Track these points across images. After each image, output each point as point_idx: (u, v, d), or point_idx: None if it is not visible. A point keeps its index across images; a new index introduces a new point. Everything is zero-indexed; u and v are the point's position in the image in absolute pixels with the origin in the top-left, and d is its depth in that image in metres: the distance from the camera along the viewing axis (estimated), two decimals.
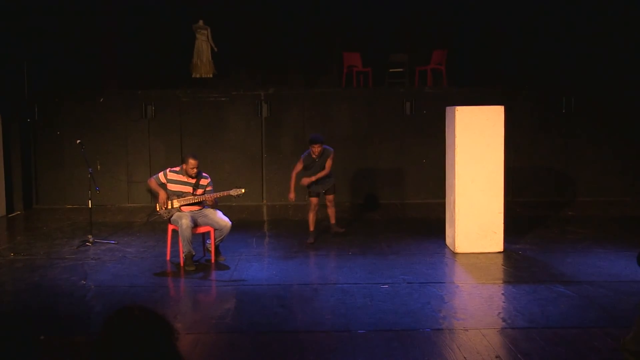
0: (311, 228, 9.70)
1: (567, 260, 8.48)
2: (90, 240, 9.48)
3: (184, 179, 8.32)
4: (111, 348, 2.41)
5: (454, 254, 8.86)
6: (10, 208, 12.40)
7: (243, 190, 8.43)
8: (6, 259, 8.82)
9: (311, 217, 9.70)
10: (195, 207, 8.35)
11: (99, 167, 12.71)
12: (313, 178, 9.47)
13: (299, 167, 9.63)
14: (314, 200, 9.71)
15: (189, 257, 8.13)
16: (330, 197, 9.88)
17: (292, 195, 9.61)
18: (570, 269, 8.07)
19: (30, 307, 6.86)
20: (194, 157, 8.29)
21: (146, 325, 2.46)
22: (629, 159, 13.21)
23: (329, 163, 9.55)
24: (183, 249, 8.12)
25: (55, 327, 6.23)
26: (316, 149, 9.41)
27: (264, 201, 13.23)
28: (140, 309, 2.52)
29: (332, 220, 10.07)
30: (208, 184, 8.44)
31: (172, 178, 8.34)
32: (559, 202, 12.73)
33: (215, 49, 14.23)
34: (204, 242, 8.74)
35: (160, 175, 8.40)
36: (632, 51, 13.55)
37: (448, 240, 9.28)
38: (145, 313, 2.51)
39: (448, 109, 9.26)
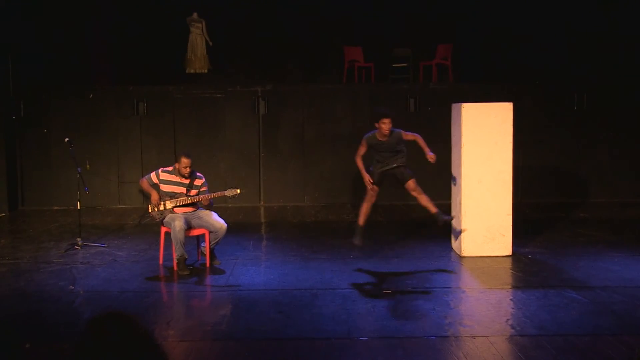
0: (361, 222, 8.72)
1: (579, 265, 8.47)
2: (79, 243, 9.47)
3: (177, 179, 8.31)
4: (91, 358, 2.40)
5: (460, 257, 8.86)
6: None
7: (238, 191, 8.42)
8: None
9: (365, 209, 8.65)
10: (189, 209, 8.34)
11: (88, 166, 12.69)
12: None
13: (362, 150, 8.52)
14: (374, 187, 8.56)
15: (183, 261, 8.12)
16: (411, 184, 8.70)
17: (368, 179, 8.46)
18: (582, 273, 8.07)
19: (15, 313, 6.84)
20: (187, 156, 8.28)
21: (125, 335, 2.45)
22: None
23: (410, 136, 8.43)
24: (176, 252, 8.11)
25: (41, 334, 6.22)
26: (386, 125, 8.27)
27: (262, 202, 13.22)
28: (118, 317, 2.50)
29: (433, 209, 8.73)
30: (202, 184, 8.43)
31: (165, 178, 8.33)
32: (570, 204, 12.73)
33: (210, 43, 14.23)
34: (198, 245, 8.73)
35: (152, 175, 8.39)
36: None
37: (454, 244, 9.27)
38: (124, 322, 2.49)
39: (454, 105, 9.26)
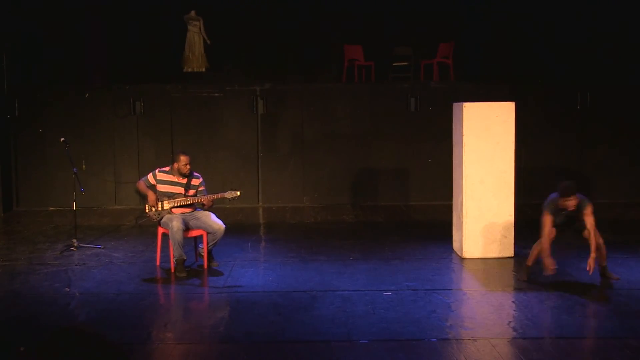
0: (529, 263, 7.87)
1: (582, 266, 8.45)
2: (75, 244, 9.46)
3: (175, 179, 8.31)
4: None
5: (462, 259, 8.86)
6: None
7: (238, 193, 8.39)
8: None
9: (536, 251, 7.75)
10: (187, 209, 8.33)
11: (84, 166, 12.70)
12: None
13: (549, 223, 7.60)
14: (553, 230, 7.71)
15: (180, 263, 8.11)
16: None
17: (552, 265, 7.49)
18: (585, 275, 8.05)
19: (10, 316, 6.84)
20: (185, 153, 8.32)
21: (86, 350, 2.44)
22: None
23: (590, 221, 7.50)
24: (174, 253, 8.11)
25: (36, 337, 6.21)
26: (572, 203, 7.45)
27: (260, 203, 13.22)
28: (77, 332, 2.48)
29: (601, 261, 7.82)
30: (200, 184, 8.43)
31: (162, 178, 8.33)
32: None
33: (208, 42, 14.22)
34: (196, 247, 8.72)
35: (150, 176, 8.39)
36: None
37: (455, 245, 9.27)
38: (84, 337, 2.48)
39: (455, 105, 9.26)
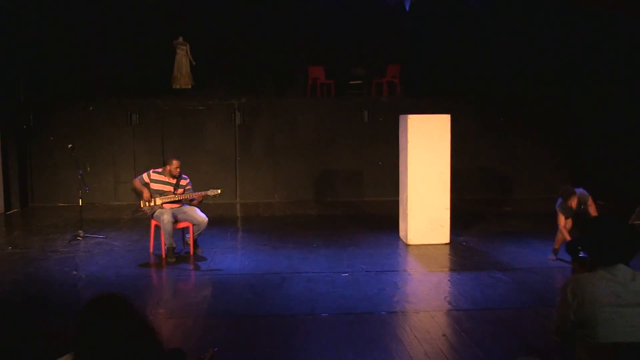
0: (556, 246, 8.08)
1: (505, 250, 8.62)
2: (81, 235, 9.38)
3: (166, 179, 8.29)
4: (91, 334, 2.40)
5: (407, 245, 8.95)
6: (8, 206, 12.20)
7: (219, 191, 8.41)
8: (4, 252, 8.69)
9: (558, 237, 7.99)
10: (176, 205, 8.31)
11: (88, 168, 12.55)
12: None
13: (563, 219, 7.88)
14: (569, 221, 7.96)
15: (170, 250, 8.09)
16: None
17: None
18: (507, 257, 8.21)
19: (26, 295, 6.77)
20: (177, 159, 8.31)
21: (121, 312, 2.45)
22: (560, 159, 13.48)
23: (592, 210, 7.70)
24: (165, 242, 8.09)
25: (49, 313, 6.17)
26: (574, 202, 7.71)
27: (238, 199, 13.20)
28: (112, 298, 2.50)
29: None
30: (187, 184, 8.42)
31: (155, 178, 8.30)
32: (498, 199, 12.93)
33: (194, 63, 14.13)
34: (183, 236, 8.69)
35: (144, 175, 8.36)
36: (559, 62, 13.79)
37: (401, 234, 9.36)
38: (119, 301, 2.50)
39: (401, 117, 9.34)
